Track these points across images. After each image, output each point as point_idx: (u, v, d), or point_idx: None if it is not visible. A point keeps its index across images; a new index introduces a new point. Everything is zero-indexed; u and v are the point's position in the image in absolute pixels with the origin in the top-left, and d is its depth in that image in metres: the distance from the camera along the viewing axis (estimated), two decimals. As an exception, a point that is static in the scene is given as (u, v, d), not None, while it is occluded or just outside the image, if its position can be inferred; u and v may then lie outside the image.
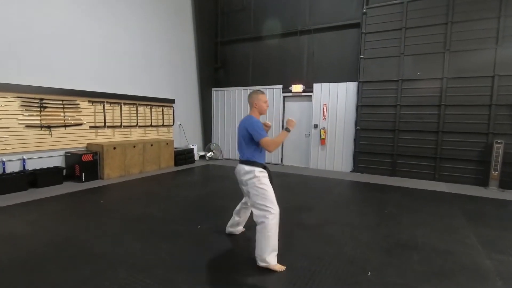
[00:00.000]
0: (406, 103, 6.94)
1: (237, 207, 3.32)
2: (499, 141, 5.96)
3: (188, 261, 2.80)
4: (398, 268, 2.74)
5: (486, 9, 6.12)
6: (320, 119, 8.07)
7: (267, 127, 3.03)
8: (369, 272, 2.64)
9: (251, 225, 3.64)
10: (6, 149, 5.18)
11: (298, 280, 2.51)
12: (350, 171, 7.72)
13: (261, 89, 3.00)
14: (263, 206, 2.66)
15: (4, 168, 5.16)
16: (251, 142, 2.76)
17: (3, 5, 5.06)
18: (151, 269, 2.62)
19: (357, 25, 7.48)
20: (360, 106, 7.44)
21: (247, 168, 2.76)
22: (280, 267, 2.67)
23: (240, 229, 3.44)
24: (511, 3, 5.91)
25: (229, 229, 3.41)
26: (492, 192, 5.85)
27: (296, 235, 3.49)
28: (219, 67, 9.86)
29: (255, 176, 2.70)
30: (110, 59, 6.90)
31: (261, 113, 2.92)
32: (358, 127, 7.50)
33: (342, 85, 7.73)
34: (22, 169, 5.42)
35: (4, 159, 5.17)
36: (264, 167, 2.80)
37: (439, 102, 6.61)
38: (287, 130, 2.79)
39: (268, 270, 2.63)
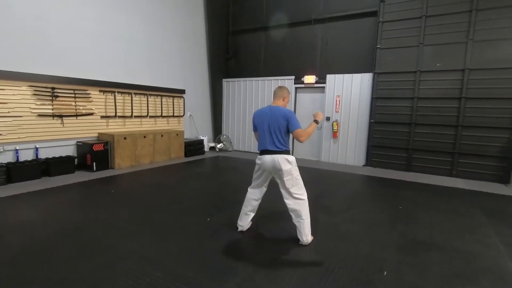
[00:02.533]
0: (424, 95, 6.65)
1: (249, 205, 3.18)
2: (523, 137, 5.67)
3: (197, 254, 2.75)
4: (416, 268, 2.61)
5: (514, -4, 5.74)
6: (333, 111, 7.86)
7: (318, 118, 3.13)
8: (385, 272, 2.53)
9: (258, 216, 3.56)
10: (19, 137, 5.23)
11: (310, 276, 2.42)
12: (363, 165, 7.53)
13: (281, 85, 3.17)
14: (300, 195, 2.89)
15: (17, 157, 5.23)
16: (288, 132, 2.90)
17: (14, -7, 5.03)
18: (160, 262, 2.58)
19: (374, 14, 7.17)
20: (375, 98, 7.19)
21: (289, 158, 2.86)
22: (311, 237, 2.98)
23: (249, 223, 3.35)
24: (542, -11, 5.52)
25: (241, 225, 3.28)
26: (514, 189, 5.59)
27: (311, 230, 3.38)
28: (230, 58, 9.70)
29: (296, 166, 2.89)
30: (121, 49, 6.84)
31: (285, 106, 3.06)
32: (372, 120, 7.27)
33: (357, 76, 7.48)
34: (35, 157, 5.48)
35: (17, 148, 5.23)
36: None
37: (459, 95, 6.30)
38: (316, 122, 2.99)
39: (279, 264, 2.55)
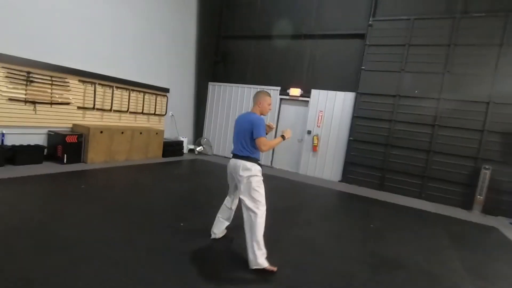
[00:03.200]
0: (401, 119, 6.97)
1: (222, 211, 3.15)
2: (487, 167, 6.05)
3: (166, 259, 2.66)
4: (383, 286, 2.68)
5: (488, 36, 6.20)
6: (314, 125, 8.02)
7: (270, 128, 3.04)
8: (354, 289, 2.57)
9: (234, 226, 3.52)
10: (-16, 120, 4.88)
11: (282, 291, 2.41)
12: (339, 181, 7.71)
13: (268, 92, 2.99)
14: (255, 207, 2.67)
15: (-20, 141, 4.87)
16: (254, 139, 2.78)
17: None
18: (127, 265, 2.47)
19: (361, 36, 7.46)
20: (356, 117, 7.43)
21: (248, 164, 2.72)
22: (271, 268, 2.67)
23: (223, 231, 3.30)
24: (513, 33, 6.00)
25: (214, 233, 3.21)
26: (475, 216, 5.93)
27: (281, 242, 3.40)
28: (218, 62, 9.67)
29: (256, 175, 2.72)
30: (107, 39, 6.63)
31: (262, 114, 2.91)
32: (351, 138, 7.49)
33: (340, 94, 7.71)
34: (0, 143, 5.12)
35: (-19, 131, 4.87)
36: (261, 165, 2.83)
37: (433, 122, 6.66)
38: (283, 137, 2.91)
39: (249, 276, 2.53)
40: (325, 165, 7.93)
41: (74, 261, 2.42)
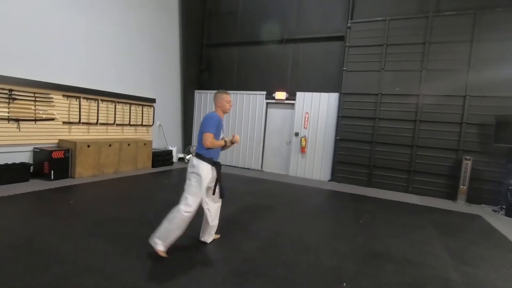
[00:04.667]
0: (384, 116, 7.18)
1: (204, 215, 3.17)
2: (467, 158, 6.29)
3: (160, 269, 2.69)
4: (373, 278, 2.78)
5: (460, 33, 6.50)
6: (301, 127, 8.16)
7: (234, 142, 3.03)
8: (344, 283, 2.66)
9: (226, 233, 3.58)
10: (-33, 141, 4.80)
11: (274, 289, 2.47)
12: (328, 180, 7.84)
13: (224, 90, 3.06)
14: (182, 203, 2.77)
15: (-37, 162, 4.77)
16: None
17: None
18: (121, 276, 2.49)
19: (341, 38, 7.69)
20: (341, 116, 7.61)
21: (195, 161, 2.86)
22: (163, 253, 2.77)
23: (212, 236, 3.30)
24: (483, 29, 6.31)
25: (201, 236, 3.27)
26: (460, 206, 6.14)
27: (272, 242, 3.46)
28: (203, 69, 9.76)
29: (197, 174, 2.80)
30: (90, 53, 6.62)
31: (224, 112, 3.03)
32: (337, 137, 7.66)
33: (324, 95, 7.89)
34: (-16, 163, 5.03)
35: (-36, 152, 4.79)
36: (214, 163, 2.89)
37: (414, 118, 6.89)
38: (226, 143, 2.95)
39: (241, 272, 2.58)
40: (314, 166, 8.06)
41: (65, 276, 2.42)
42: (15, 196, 4.52)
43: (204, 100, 9.68)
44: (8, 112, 5.28)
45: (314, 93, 8.01)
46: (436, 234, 4.19)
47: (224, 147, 3.03)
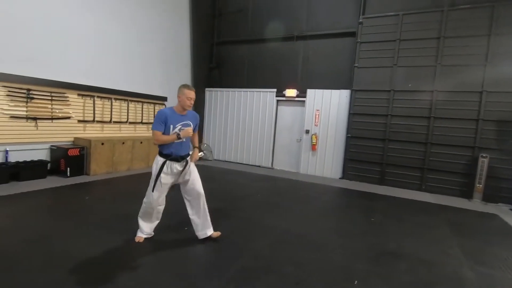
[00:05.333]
0: (397, 113, 7.05)
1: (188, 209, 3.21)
2: (484, 155, 6.12)
3: (175, 264, 2.74)
4: (385, 277, 2.75)
5: (476, 27, 6.29)
6: (312, 124, 8.11)
7: (185, 135, 2.94)
8: (356, 281, 2.64)
9: (236, 230, 3.60)
10: (-12, 139, 5.00)
11: (283, 286, 2.48)
12: (340, 178, 7.78)
13: (188, 85, 3.03)
14: (147, 192, 3.04)
15: (-15, 159, 4.98)
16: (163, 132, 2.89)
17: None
18: (137, 272, 2.55)
19: (352, 34, 7.58)
20: (352, 114, 7.52)
21: (156, 158, 3.00)
22: (138, 238, 3.12)
23: (208, 231, 3.22)
24: (501, 23, 6.09)
25: (197, 234, 3.24)
26: (476, 204, 5.99)
27: (283, 240, 3.47)
28: (214, 68, 9.81)
29: (154, 168, 2.97)
30: (103, 53, 6.76)
31: (183, 107, 2.97)
32: (349, 135, 7.58)
33: (335, 92, 7.81)
34: (4, 160, 5.23)
35: (-15, 150, 4.99)
36: (172, 158, 2.91)
37: (428, 114, 6.74)
38: (178, 136, 2.88)
39: (252, 268, 2.61)
40: (325, 163, 8.01)
41: (77, 272, 2.50)
42: (33, 192, 4.68)
43: (215, 98, 9.74)
44: (27, 111, 5.46)
45: (325, 90, 7.93)
46: (450, 233, 4.10)
47: (179, 140, 2.94)
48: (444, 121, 6.63)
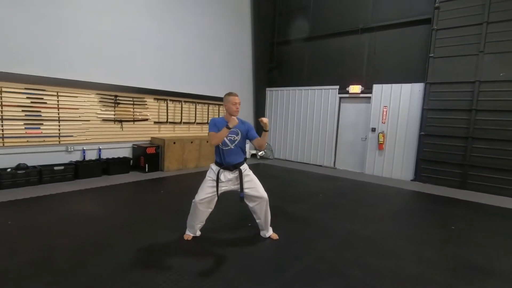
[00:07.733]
0: (484, 107, 6.12)
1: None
2: None
3: (242, 258, 2.86)
4: (469, 293, 2.43)
5: None
6: (379, 122, 7.58)
7: (263, 123, 2.89)
8: (433, 294, 2.39)
9: (298, 230, 3.57)
10: (86, 139, 5.93)
11: (351, 291, 2.39)
12: (411, 180, 7.10)
13: (231, 92, 3.09)
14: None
15: (84, 156, 5.91)
16: None
17: (83, 14, 5.76)
18: (209, 264, 2.74)
19: (426, 21, 6.83)
20: (426, 109, 6.78)
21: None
22: (187, 236, 3.20)
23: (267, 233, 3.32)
24: None
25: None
26: None
27: (349, 242, 3.33)
28: (273, 67, 9.90)
29: (208, 173, 3.12)
30: (172, 60, 7.41)
31: (231, 114, 2.97)
32: (422, 132, 6.86)
33: (406, 87, 7.15)
34: (98, 157, 6.14)
35: (85, 148, 5.92)
36: (221, 165, 3.03)
37: (526, 108, 5.69)
38: (228, 127, 2.86)
39: (319, 270, 2.56)
40: (394, 164, 7.41)
41: (160, 257, 2.79)
42: (120, 185, 5.40)
43: (276, 97, 9.82)
44: (114, 115, 6.32)
45: (394, 85, 7.32)
46: (558, 250, 3.40)
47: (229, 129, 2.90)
48: (549, 115, 5.52)
